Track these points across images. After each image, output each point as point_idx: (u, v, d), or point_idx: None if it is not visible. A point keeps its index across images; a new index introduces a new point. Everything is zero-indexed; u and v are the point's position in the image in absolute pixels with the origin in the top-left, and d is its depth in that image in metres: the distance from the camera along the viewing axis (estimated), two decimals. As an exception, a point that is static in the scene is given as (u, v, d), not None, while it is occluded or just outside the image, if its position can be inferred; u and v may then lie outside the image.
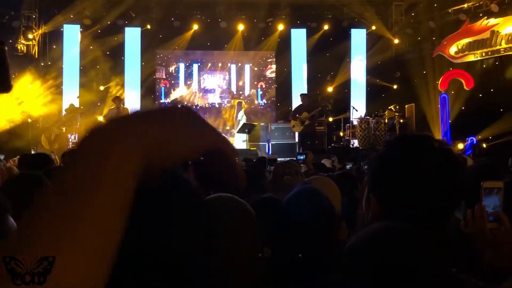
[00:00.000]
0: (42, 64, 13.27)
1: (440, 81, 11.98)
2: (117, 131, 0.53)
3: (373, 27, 14.04)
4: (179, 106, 0.62)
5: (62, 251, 0.44)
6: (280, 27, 14.19)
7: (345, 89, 14.41)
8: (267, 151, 12.10)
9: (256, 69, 14.94)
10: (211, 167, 0.62)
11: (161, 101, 14.54)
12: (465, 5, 12.46)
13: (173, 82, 14.72)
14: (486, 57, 11.98)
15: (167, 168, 0.57)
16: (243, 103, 12.92)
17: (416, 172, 1.16)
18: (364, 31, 14.41)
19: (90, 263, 0.46)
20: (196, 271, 0.79)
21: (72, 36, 13.64)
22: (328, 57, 14.07)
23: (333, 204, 1.74)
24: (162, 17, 13.57)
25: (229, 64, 14.78)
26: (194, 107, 14.45)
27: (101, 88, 13.61)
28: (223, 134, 0.62)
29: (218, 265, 1.14)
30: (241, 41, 14.27)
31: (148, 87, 14.33)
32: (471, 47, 12.15)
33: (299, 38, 14.61)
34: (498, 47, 11.60)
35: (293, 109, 12.55)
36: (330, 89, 14.04)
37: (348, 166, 6.42)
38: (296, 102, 12.77)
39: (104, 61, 13.54)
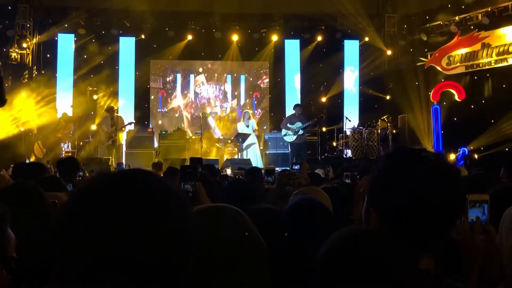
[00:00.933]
0: (36, 73, 13.23)
1: (432, 92, 12.09)
2: None
3: (366, 39, 14.16)
4: None
5: None
6: (274, 38, 14.27)
7: (338, 99, 14.50)
8: (259, 160, 12.08)
9: (251, 79, 14.99)
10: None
11: (159, 110, 14.59)
12: (456, 18, 12.61)
13: (170, 91, 14.76)
14: (477, 68, 12.11)
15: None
16: (251, 113, 12.55)
17: (418, 189, 1.16)
18: (357, 42, 14.53)
19: None
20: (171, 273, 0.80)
21: (66, 45, 13.63)
22: (322, 68, 14.16)
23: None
24: (157, 27, 13.60)
25: (225, 75, 14.82)
26: (190, 116, 14.53)
27: (95, 97, 13.57)
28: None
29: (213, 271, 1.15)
30: (237, 52, 14.32)
31: (142, 97, 14.34)
32: (462, 59, 12.29)
33: (292, 49, 14.70)
34: (489, 59, 11.74)
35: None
36: (323, 99, 14.13)
37: (346, 180, 5.11)
38: (290, 112, 12.77)
39: (98, 70, 13.53)
